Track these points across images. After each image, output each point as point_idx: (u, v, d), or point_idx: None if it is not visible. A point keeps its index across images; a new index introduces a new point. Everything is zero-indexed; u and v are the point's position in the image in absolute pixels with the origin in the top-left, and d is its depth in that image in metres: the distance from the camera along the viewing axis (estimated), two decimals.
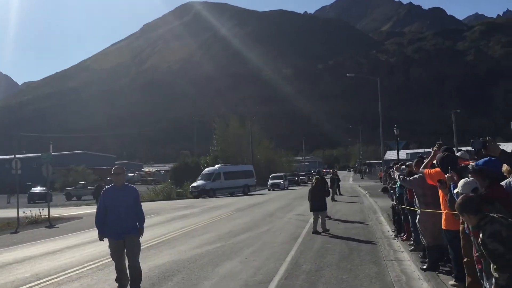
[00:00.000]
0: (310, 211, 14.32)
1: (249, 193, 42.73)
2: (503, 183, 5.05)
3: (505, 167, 5.09)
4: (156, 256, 10.45)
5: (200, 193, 39.29)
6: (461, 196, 4.25)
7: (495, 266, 3.81)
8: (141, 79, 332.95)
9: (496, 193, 4.69)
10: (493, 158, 5.38)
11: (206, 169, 44.38)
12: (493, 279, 3.96)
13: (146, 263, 9.28)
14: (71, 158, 76.45)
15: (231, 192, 42.12)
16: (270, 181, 49.98)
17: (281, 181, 49.61)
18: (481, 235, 3.88)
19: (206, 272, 8.64)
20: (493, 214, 3.96)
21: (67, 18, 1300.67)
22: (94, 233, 9.03)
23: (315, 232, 13.44)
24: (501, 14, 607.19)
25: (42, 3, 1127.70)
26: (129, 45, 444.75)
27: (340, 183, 33.64)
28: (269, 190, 47.62)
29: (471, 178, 4.80)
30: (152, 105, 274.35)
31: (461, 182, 4.79)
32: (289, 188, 50.84)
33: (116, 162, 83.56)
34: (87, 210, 28.83)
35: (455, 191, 4.93)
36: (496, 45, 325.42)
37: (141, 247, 7.58)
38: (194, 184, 41.48)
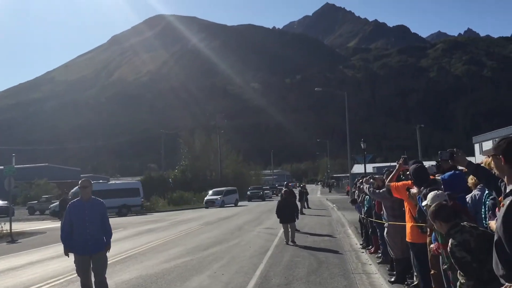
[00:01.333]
0: (280, 223, 14.77)
1: (129, 214, 36.73)
2: (468, 196, 5.19)
3: (471, 180, 5.22)
4: (123, 272, 10.22)
5: (51, 214, 34.52)
6: (435, 203, 4.35)
7: (461, 273, 3.89)
8: (107, 91, 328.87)
9: (455, 206, 4.81)
10: (457, 172, 5.52)
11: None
12: (457, 285, 4.03)
13: (113, 279, 9.06)
14: (34, 171, 74.34)
15: None
16: (206, 197, 44.97)
17: (218, 197, 43.75)
18: (450, 242, 3.96)
19: (174, 287, 8.50)
20: (464, 223, 4.05)
21: (33, 28, 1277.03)
22: (59, 248, 8.78)
23: (293, 242, 13.95)
24: (462, 32, 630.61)
25: (7, 13, 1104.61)
26: (96, 57, 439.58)
27: (308, 196, 33.79)
28: (206, 208, 42.13)
29: (440, 191, 4.91)
30: (118, 117, 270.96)
31: (430, 195, 4.90)
32: (242, 203, 46.07)
33: (81, 175, 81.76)
34: (51, 225, 28.05)
35: (424, 203, 5.03)
36: (458, 63, 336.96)
37: (108, 262, 7.39)
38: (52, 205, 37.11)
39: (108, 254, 7.26)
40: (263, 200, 53.42)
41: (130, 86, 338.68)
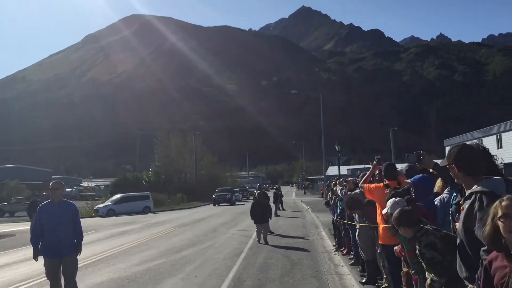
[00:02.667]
0: (254, 223, 15.35)
1: None
2: (437, 199, 5.30)
3: (438, 184, 5.33)
4: (94, 275, 10.07)
5: None
6: (398, 209, 4.43)
7: (432, 274, 3.97)
8: (81, 91, 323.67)
9: (418, 210, 4.93)
10: (425, 175, 5.64)
11: None
12: (427, 283, 4.12)
13: (84, 282, 8.93)
14: (4, 172, 72.67)
15: None
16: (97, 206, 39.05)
17: (106, 204, 38.86)
18: (417, 246, 4.05)
19: None
20: (428, 226, 4.15)
21: (5, 26, 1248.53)
22: (28, 251, 8.60)
23: (265, 242, 14.62)
24: (434, 37, 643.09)
25: None
26: (70, 56, 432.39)
27: (283, 198, 33.86)
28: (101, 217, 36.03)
29: (398, 198, 5.03)
30: (93, 117, 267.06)
31: (389, 203, 5.02)
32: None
33: (53, 176, 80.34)
34: (20, 227, 27.43)
35: (384, 211, 5.13)
36: (430, 67, 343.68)
37: (79, 265, 7.28)
38: None
39: (79, 257, 7.15)
40: (232, 204, 46.59)
41: (105, 86, 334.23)
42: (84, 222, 26.60)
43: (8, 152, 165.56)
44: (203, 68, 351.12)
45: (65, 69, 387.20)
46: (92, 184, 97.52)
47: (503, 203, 2.33)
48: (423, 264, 4.09)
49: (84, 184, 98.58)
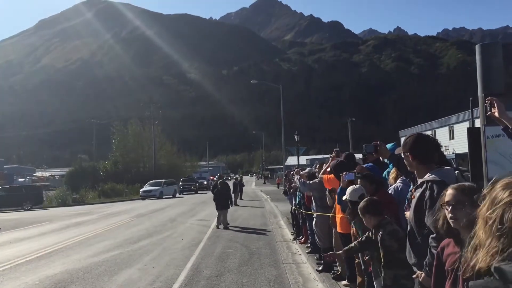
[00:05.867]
0: (216, 210, 16.68)
1: None
2: (391, 188, 5.43)
3: (392, 175, 5.47)
4: (48, 267, 9.78)
5: None
6: (366, 198, 4.55)
7: (383, 263, 4.08)
8: (35, 78, 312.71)
9: (382, 198, 5.03)
10: (375, 166, 5.80)
11: None
12: (381, 278, 4.24)
13: (36, 274, 8.68)
14: None
15: None
16: None
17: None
18: (381, 232, 4.17)
19: (102, 282, 8.25)
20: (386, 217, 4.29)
21: None
22: None
23: (224, 227, 15.91)
24: (392, 30, 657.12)
25: None
26: (22, 41, 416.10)
27: (243, 188, 33.92)
28: None
29: (358, 186, 5.15)
30: (46, 105, 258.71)
31: (349, 189, 5.14)
32: None
33: (5, 166, 77.74)
34: None
35: (344, 198, 5.25)
36: (387, 59, 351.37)
37: (32, 257, 7.06)
38: None
39: (32, 248, 6.93)
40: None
41: (60, 74, 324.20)
42: (38, 212, 25.86)
43: None
44: (163, 56, 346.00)
45: (17, 55, 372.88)
46: (47, 173, 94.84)
47: (447, 192, 2.41)
48: (380, 251, 4.21)
49: (38, 174, 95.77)
